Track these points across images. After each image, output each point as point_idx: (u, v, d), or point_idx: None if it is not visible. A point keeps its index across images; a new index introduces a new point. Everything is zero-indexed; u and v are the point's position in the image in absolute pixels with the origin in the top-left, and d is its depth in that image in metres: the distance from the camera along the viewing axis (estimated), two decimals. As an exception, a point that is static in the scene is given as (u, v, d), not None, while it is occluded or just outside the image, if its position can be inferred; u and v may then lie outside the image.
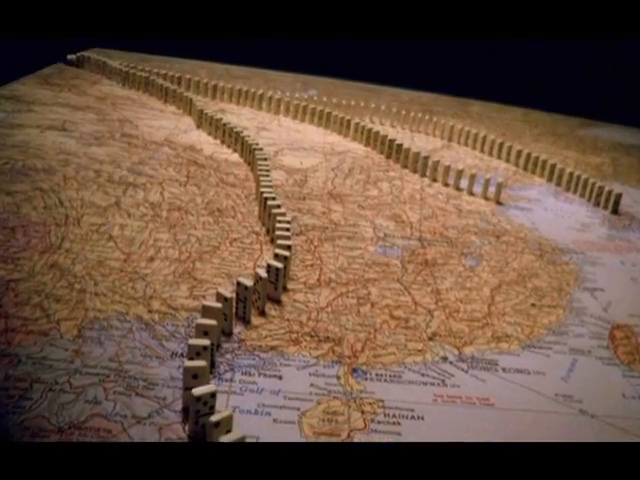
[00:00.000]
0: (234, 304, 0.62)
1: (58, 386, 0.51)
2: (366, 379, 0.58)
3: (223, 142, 1.13)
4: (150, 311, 0.62)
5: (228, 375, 0.55)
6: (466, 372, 0.61)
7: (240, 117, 1.34)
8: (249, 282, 0.62)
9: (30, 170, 0.90)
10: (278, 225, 0.75)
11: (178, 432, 0.48)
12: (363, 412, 0.54)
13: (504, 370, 0.62)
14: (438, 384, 0.59)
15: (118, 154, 1.02)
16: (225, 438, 0.43)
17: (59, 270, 0.67)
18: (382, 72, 1.85)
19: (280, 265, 0.66)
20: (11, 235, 0.72)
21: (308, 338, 0.62)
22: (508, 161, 1.31)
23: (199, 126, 1.20)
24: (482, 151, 1.35)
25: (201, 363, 0.50)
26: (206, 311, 0.57)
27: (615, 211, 1.12)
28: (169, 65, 1.68)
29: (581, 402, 0.59)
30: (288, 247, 0.71)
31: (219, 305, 0.57)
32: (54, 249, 0.71)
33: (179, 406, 0.51)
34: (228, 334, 0.60)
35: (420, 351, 0.63)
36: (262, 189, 0.85)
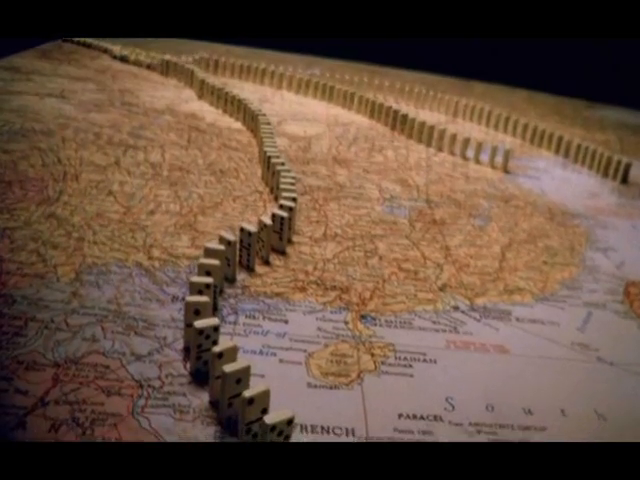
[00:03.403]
0: (237, 251, 0.59)
1: (54, 325, 0.49)
2: (375, 325, 0.55)
3: (225, 111, 1.11)
4: (150, 258, 0.60)
5: (231, 318, 0.53)
6: (479, 321, 0.59)
7: (242, 90, 1.32)
8: (253, 228, 0.60)
9: (28, 132, 0.88)
10: (282, 180, 0.73)
11: (179, 369, 0.46)
12: (373, 355, 0.51)
13: (518, 320, 0.60)
14: (450, 331, 0.57)
15: (118, 120, 0.99)
16: (228, 367, 0.41)
17: (57, 220, 0.65)
18: (385, 53, 1.82)
19: (285, 214, 0.64)
20: (7, 188, 0.70)
21: (314, 286, 0.60)
22: (514, 135, 1.29)
23: (200, 97, 1.18)
24: (487, 126, 1.33)
25: (203, 299, 0.48)
26: (209, 253, 0.54)
27: (624, 180, 1.09)
28: (169, 46, 1.66)
29: (598, 351, 0.57)
30: (293, 199, 0.68)
31: (222, 247, 0.55)
32: (52, 201, 0.68)
33: (180, 345, 0.49)
34: (231, 280, 0.58)
35: (430, 300, 0.61)
36: (266, 148, 0.82)
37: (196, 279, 0.50)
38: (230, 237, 0.57)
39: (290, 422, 0.38)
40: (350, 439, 0.42)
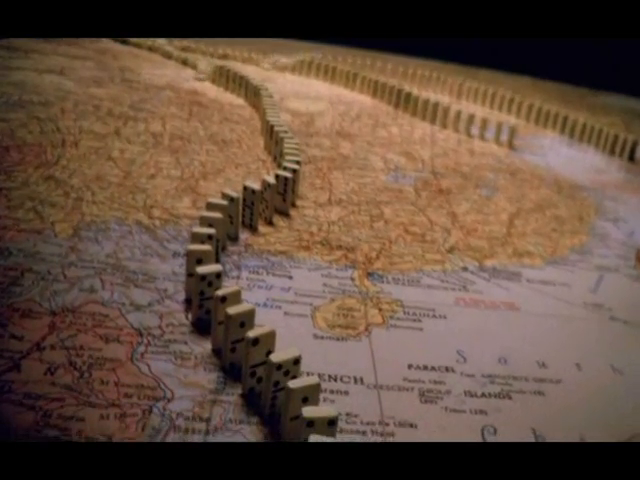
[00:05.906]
0: (240, 210, 0.58)
1: (51, 276, 0.47)
2: (382, 282, 0.54)
3: (227, 89, 1.09)
4: (151, 218, 0.58)
5: (235, 273, 0.51)
6: (488, 281, 0.57)
7: (245, 71, 1.30)
8: (256, 186, 0.58)
9: (26, 103, 0.87)
10: (286, 145, 0.71)
11: (180, 319, 0.45)
12: (380, 310, 0.50)
13: (528, 281, 0.58)
14: (459, 289, 0.55)
15: (118, 94, 0.98)
16: (232, 309, 0.39)
17: (55, 182, 0.63)
18: (386, 40, 1.81)
19: (289, 175, 0.62)
20: (5, 153, 0.68)
21: (319, 246, 0.58)
22: (519, 116, 1.28)
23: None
24: (492, 107, 1.31)
25: (206, 247, 0.46)
26: (211, 207, 0.53)
27: (631, 158, 1.08)
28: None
29: (611, 310, 0.56)
30: (297, 162, 0.67)
31: (224, 202, 0.53)
32: (50, 165, 0.67)
33: (182, 297, 0.47)
34: (234, 239, 0.56)
35: (439, 261, 0.59)
36: (268, 117, 0.81)
37: (198, 229, 0.48)
38: (233, 194, 0.55)
39: (297, 361, 0.36)
40: (359, 387, 0.41)
